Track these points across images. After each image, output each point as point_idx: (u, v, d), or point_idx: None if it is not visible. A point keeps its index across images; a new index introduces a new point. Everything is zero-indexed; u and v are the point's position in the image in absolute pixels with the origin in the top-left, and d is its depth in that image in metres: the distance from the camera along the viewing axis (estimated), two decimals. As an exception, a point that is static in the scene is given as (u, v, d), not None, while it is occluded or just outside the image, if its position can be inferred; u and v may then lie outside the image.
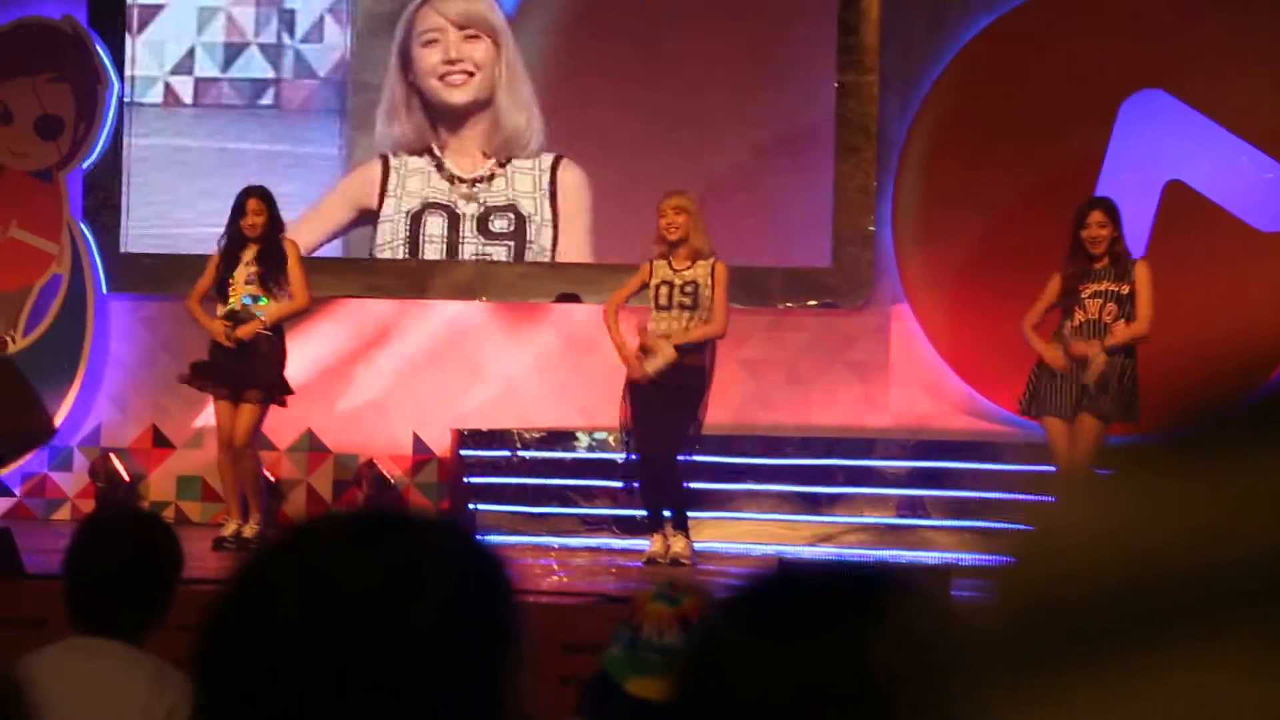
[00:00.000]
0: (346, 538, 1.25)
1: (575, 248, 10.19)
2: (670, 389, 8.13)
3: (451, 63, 10.30)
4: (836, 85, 9.95)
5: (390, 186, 10.33)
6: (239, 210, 8.57)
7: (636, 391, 8.20)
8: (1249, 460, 0.65)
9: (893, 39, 9.94)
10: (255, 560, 1.27)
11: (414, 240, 10.31)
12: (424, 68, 10.32)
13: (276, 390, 8.50)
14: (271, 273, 8.49)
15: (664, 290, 8.19)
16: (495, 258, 10.26)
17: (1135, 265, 7.96)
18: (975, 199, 9.62)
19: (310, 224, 10.16)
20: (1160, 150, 9.58)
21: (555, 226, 10.22)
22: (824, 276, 9.93)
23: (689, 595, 2.84)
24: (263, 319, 8.44)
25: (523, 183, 10.26)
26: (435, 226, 10.30)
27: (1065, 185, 9.19)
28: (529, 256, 10.24)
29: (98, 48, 10.52)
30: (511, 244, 10.26)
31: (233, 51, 10.54)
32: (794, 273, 9.96)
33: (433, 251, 10.29)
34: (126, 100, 10.53)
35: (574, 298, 10.06)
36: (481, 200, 10.27)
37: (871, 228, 9.91)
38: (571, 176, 10.21)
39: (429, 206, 10.30)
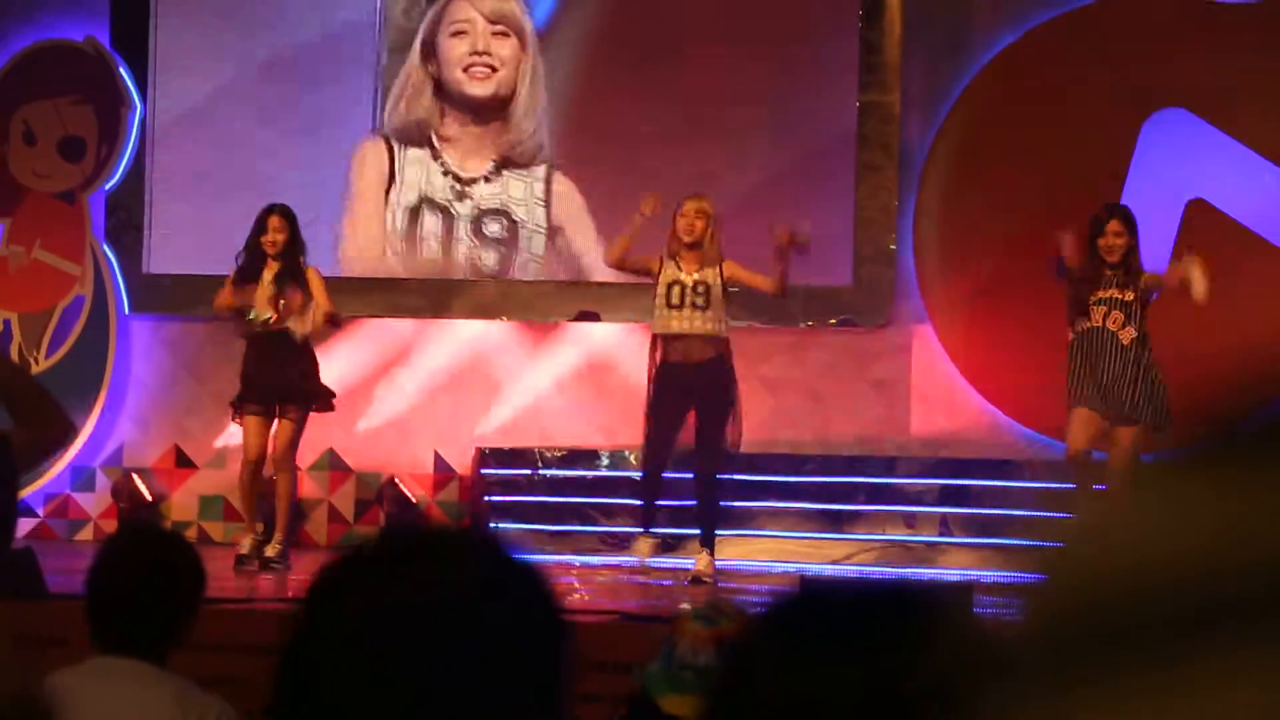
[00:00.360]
0: (398, 562, 1.27)
1: (589, 259, 10.14)
2: (706, 403, 8.13)
3: (478, 54, 10.34)
4: (858, 105, 9.96)
5: (394, 172, 10.39)
6: (260, 227, 8.58)
7: (666, 404, 8.17)
8: (1273, 469, 0.66)
9: (915, 58, 9.94)
10: (317, 589, 1.29)
11: (411, 237, 10.33)
12: (449, 58, 10.34)
13: (315, 400, 8.52)
14: (290, 295, 8.49)
15: (675, 290, 8.16)
16: (485, 261, 10.27)
17: (1145, 277, 7.93)
18: (996, 218, 9.61)
19: (366, 222, 10.22)
20: (1182, 168, 9.56)
21: (548, 235, 10.24)
22: (845, 295, 9.93)
23: (728, 618, 2.87)
24: (311, 310, 8.45)
25: (515, 189, 10.28)
26: (431, 224, 10.33)
27: (1087, 204, 9.17)
28: (518, 263, 10.24)
29: (120, 69, 10.57)
30: (503, 250, 10.27)
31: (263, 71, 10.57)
32: (815, 292, 9.95)
33: (428, 251, 10.31)
34: (148, 120, 10.56)
35: (594, 316, 10.07)
36: (475, 201, 10.30)
37: (893, 247, 9.91)
38: (564, 188, 10.24)
39: (425, 202, 10.34)
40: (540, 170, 10.30)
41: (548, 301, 10.22)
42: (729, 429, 8.19)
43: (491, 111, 10.34)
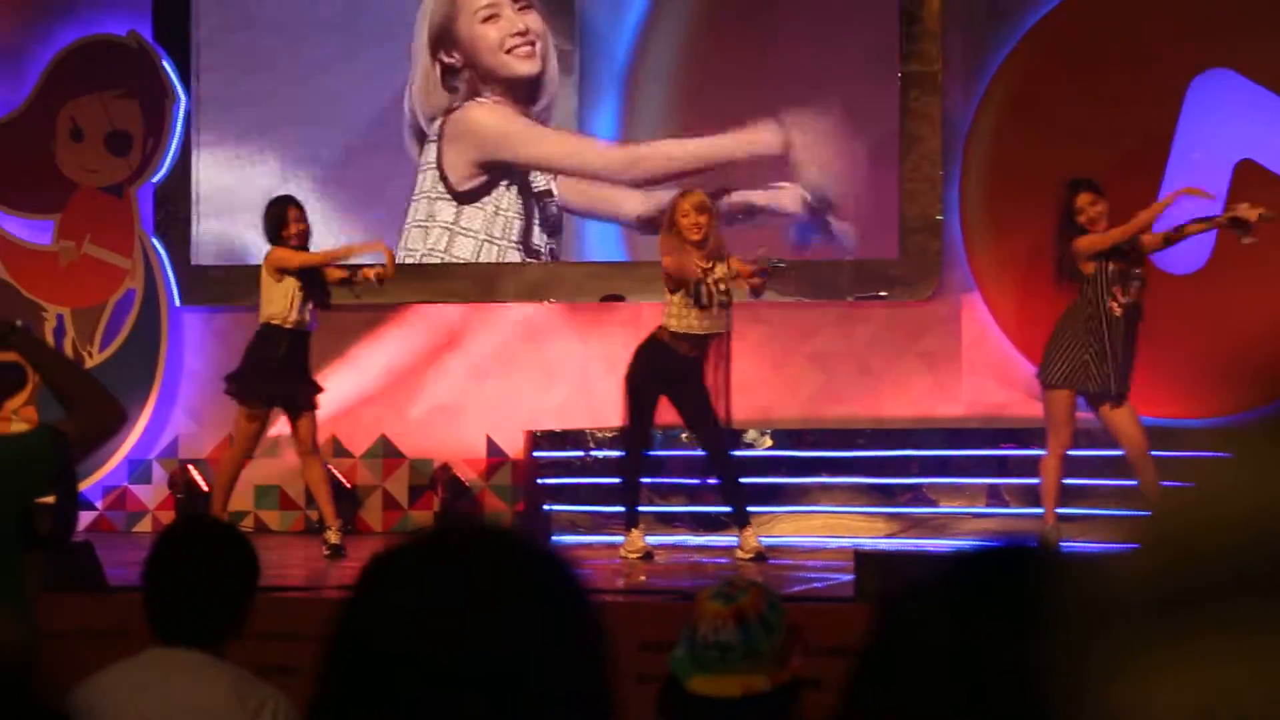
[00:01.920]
0: (427, 566, 1.29)
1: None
2: (702, 382, 8.14)
3: (518, 35, 10.33)
4: (900, 76, 9.92)
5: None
6: (282, 220, 8.56)
7: (656, 390, 8.19)
8: None
9: (955, 27, 9.89)
10: (363, 581, 1.30)
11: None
12: (485, 44, 10.33)
13: (317, 392, 8.58)
14: (314, 290, 8.51)
15: (703, 290, 8.09)
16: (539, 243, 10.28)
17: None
18: (1043, 184, 9.54)
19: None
20: (1230, 129, 9.48)
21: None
22: (892, 268, 9.90)
23: (745, 592, 2.89)
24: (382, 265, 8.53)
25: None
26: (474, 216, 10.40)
27: (1134, 167, 9.13)
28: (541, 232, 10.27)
29: (164, 62, 10.62)
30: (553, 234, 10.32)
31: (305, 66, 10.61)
32: (862, 265, 9.93)
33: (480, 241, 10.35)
34: (193, 113, 10.61)
35: (618, 298, 10.05)
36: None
37: (939, 217, 9.87)
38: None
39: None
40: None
41: (594, 283, 10.23)
42: (722, 404, 8.18)
43: (529, 87, 10.33)
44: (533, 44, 10.32)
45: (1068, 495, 8.39)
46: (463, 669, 1.23)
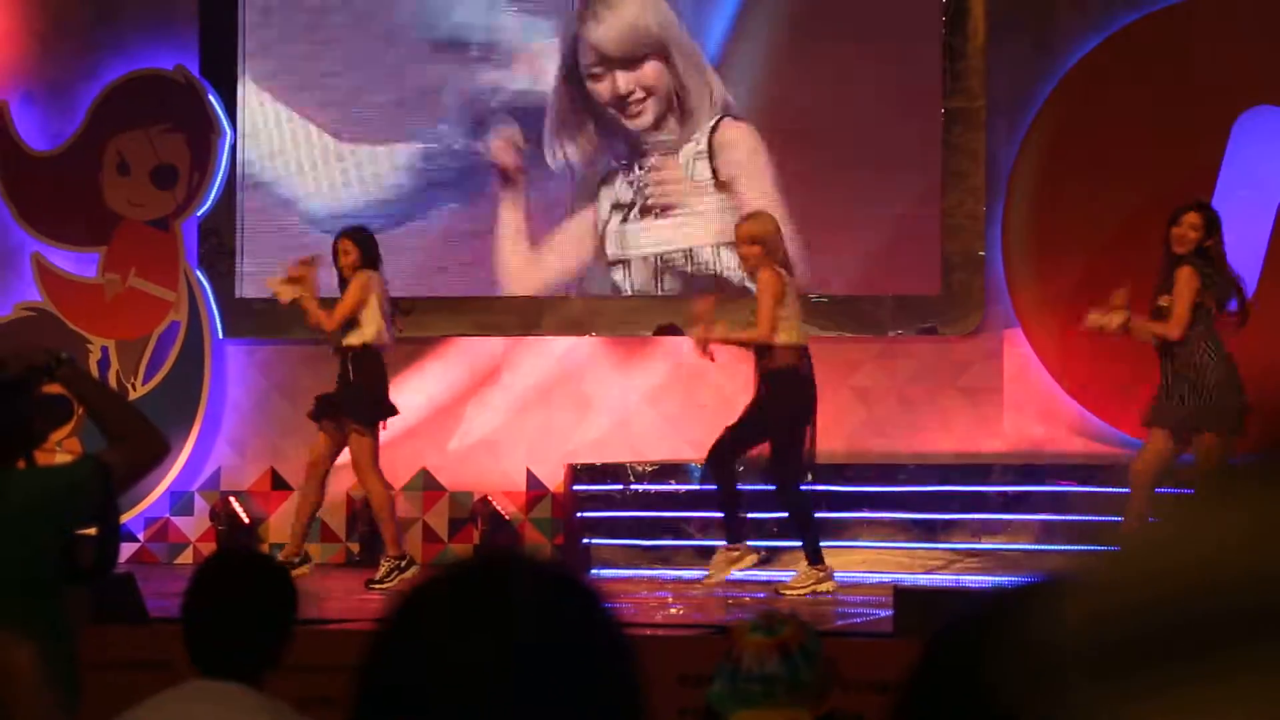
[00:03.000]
0: (474, 589, 1.29)
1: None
2: (748, 409, 8.18)
3: (624, 96, 10.28)
4: (943, 111, 9.91)
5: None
6: (333, 254, 8.92)
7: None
8: None
9: (999, 63, 9.89)
10: (396, 614, 1.31)
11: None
12: (597, 97, 10.33)
13: (367, 415, 8.62)
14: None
15: (748, 310, 8.28)
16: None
17: (1178, 269, 7.80)
18: (1086, 221, 9.54)
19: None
20: (1276, 166, 9.44)
21: (716, 181, 10.18)
22: (934, 303, 9.88)
23: (787, 625, 2.88)
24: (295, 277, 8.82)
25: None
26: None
27: (1177, 204, 9.09)
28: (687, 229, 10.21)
29: (210, 97, 10.70)
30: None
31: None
32: (904, 300, 9.91)
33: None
34: (238, 147, 10.69)
35: (674, 329, 10.06)
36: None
37: (981, 253, 9.85)
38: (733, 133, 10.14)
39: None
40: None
41: (636, 316, 10.24)
42: (768, 434, 8.25)
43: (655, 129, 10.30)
44: (644, 98, 10.23)
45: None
46: (493, 703, 1.23)
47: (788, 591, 8.14)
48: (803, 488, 8.29)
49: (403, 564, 8.66)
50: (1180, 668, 0.66)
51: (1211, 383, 7.68)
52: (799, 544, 8.32)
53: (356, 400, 8.71)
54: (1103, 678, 0.68)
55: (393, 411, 8.84)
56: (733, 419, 8.31)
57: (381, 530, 8.84)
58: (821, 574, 8.16)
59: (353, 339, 8.71)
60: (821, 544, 8.28)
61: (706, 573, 8.36)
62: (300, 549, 8.75)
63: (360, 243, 8.85)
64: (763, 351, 8.14)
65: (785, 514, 8.42)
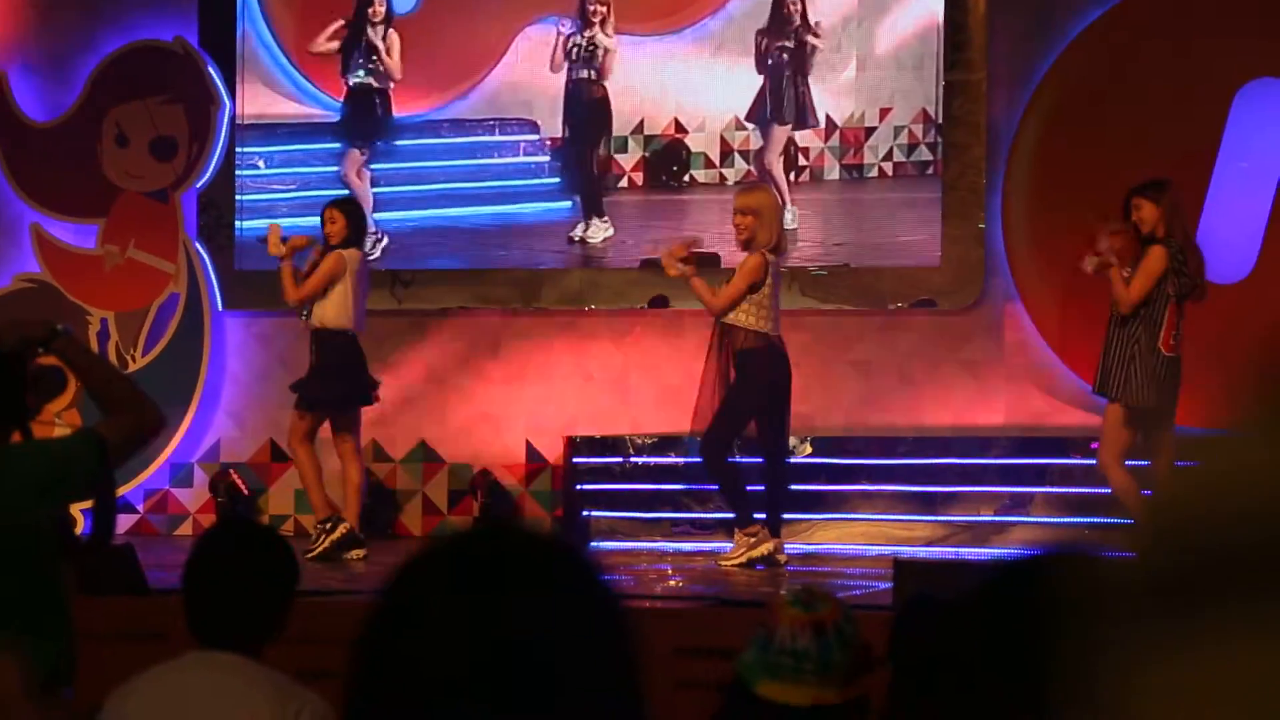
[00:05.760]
0: (470, 561, 1.29)
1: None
2: (725, 397, 8.14)
3: None
4: (944, 84, 9.89)
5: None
6: (320, 221, 8.89)
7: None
8: None
9: (1000, 36, 9.86)
10: (392, 586, 1.30)
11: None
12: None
13: (306, 398, 8.69)
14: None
15: (723, 280, 8.27)
16: None
17: (1149, 247, 7.93)
18: (1086, 193, 9.51)
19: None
20: (1276, 139, 9.42)
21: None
22: (934, 276, 9.87)
23: (825, 603, 2.88)
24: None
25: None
26: None
27: (1179, 177, 9.07)
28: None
29: (209, 68, 10.67)
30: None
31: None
32: (904, 273, 9.90)
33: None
34: (238, 119, 10.67)
35: (664, 301, 10.04)
36: None
37: (982, 225, 9.84)
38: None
39: None
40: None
41: (636, 289, 10.23)
42: (742, 409, 8.21)
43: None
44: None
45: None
46: (489, 674, 1.23)
47: (724, 562, 8.14)
48: (731, 460, 8.24)
49: (328, 525, 8.59)
50: (1227, 603, 0.66)
51: (1142, 368, 7.80)
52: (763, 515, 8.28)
53: (305, 381, 8.70)
54: (1165, 613, 0.67)
55: (349, 397, 8.70)
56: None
57: (309, 497, 8.85)
58: (754, 538, 8.12)
59: (313, 320, 8.70)
60: (821, 516, 8.25)
61: (731, 548, 8.29)
62: (328, 509, 8.68)
63: (348, 213, 8.80)
64: (729, 331, 8.11)
65: (766, 484, 8.33)
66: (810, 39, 10.00)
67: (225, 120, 10.67)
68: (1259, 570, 0.64)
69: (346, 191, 10.12)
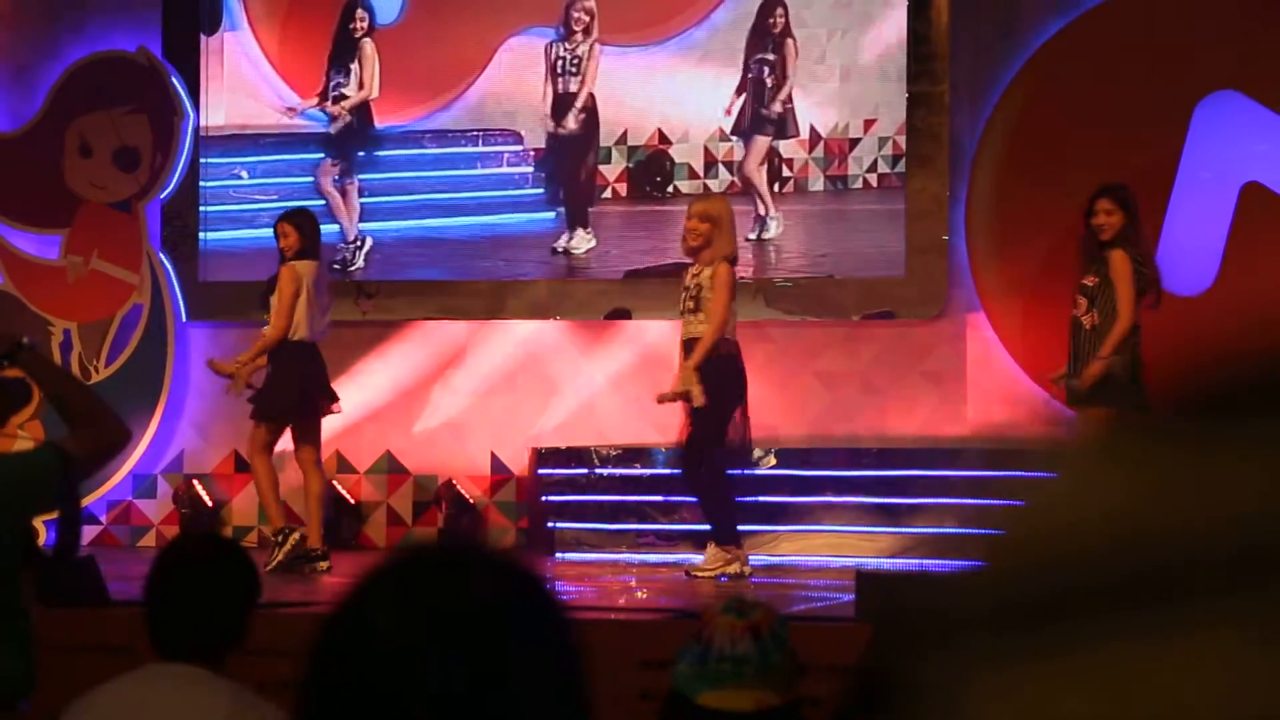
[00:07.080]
0: (423, 575, 1.30)
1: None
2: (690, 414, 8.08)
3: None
4: (907, 95, 9.93)
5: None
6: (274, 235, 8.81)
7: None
8: (1245, 430, 0.65)
9: (963, 47, 9.91)
10: (346, 600, 1.31)
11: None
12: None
13: (261, 409, 8.63)
14: (267, 299, 8.74)
15: (683, 295, 8.16)
16: None
17: (1110, 253, 7.89)
18: (1049, 205, 9.56)
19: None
20: (1237, 151, 9.49)
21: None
22: (898, 287, 9.90)
23: (757, 609, 2.91)
24: (238, 361, 8.74)
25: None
26: None
27: (1141, 189, 9.11)
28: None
29: (172, 79, 10.65)
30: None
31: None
32: (867, 284, 9.93)
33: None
34: (201, 130, 10.65)
35: (625, 314, 10.05)
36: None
37: (945, 237, 9.88)
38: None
39: None
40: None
41: (601, 300, 10.24)
42: (715, 420, 8.10)
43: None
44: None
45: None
46: (436, 689, 1.23)
47: (698, 573, 8.13)
48: (724, 471, 8.21)
49: (280, 538, 8.59)
50: (1058, 632, 0.65)
51: (1120, 365, 7.82)
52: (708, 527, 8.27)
53: (260, 391, 8.68)
54: (984, 641, 0.67)
55: (301, 406, 8.64)
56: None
57: (264, 508, 8.86)
58: (730, 556, 8.12)
59: (267, 330, 8.68)
60: (784, 528, 8.22)
61: (701, 560, 8.27)
62: (282, 520, 8.67)
63: (298, 225, 8.75)
64: (692, 345, 8.05)
65: (694, 497, 8.31)
66: (793, 50, 10.03)
67: (189, 131, 10.65)
68: (1108, 589, 0.64)
69: (301, 204, 10.08)
